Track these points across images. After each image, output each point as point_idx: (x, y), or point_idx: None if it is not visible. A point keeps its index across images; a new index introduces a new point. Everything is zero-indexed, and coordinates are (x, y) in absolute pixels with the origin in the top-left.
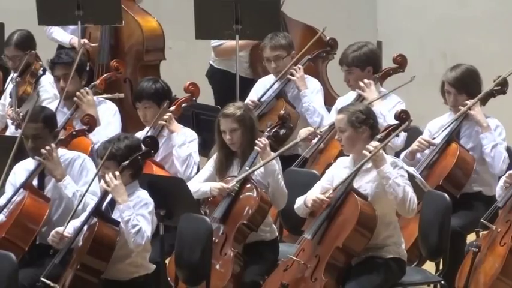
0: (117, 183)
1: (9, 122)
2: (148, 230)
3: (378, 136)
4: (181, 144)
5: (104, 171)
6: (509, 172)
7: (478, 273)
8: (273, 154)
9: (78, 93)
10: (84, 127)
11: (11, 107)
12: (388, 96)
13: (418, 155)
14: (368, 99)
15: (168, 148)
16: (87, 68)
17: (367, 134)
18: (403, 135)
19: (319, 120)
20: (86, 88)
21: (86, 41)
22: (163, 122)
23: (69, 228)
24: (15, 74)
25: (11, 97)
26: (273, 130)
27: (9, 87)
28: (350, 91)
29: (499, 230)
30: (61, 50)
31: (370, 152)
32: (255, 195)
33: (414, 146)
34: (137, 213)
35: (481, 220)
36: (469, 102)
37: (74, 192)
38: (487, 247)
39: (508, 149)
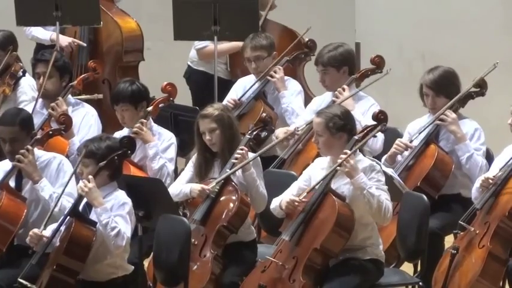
0: (91, 186)
1: None
2: (127, 230)
3: (356, 137)
4: (153, 156)
5: (83, 169)
6: (484, 175)
7: (455, 274)
8: (251, 156)
9: (53, 104)
10: (60, 126)
11: None
12: (363, 98)
13: (399, 157)
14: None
15: (146, 149)
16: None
17: (345, 139)
18: (381, 139)
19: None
20: (60, 98)
21: (73, 39)
22: (134, 135)
23: (47, 230)
24: None
25: None
26: (255, 133)
27: None
28: (326, 92)
29: (477, 231)
30: (46, 49)
31: (341, 160)
32: (235, 197)
33: (392, 149)
34: (115, 214)
35: (459, 222)
36: (446, 109)
37: (51, 194)
38: (464, 249)
39: (487, 151)
